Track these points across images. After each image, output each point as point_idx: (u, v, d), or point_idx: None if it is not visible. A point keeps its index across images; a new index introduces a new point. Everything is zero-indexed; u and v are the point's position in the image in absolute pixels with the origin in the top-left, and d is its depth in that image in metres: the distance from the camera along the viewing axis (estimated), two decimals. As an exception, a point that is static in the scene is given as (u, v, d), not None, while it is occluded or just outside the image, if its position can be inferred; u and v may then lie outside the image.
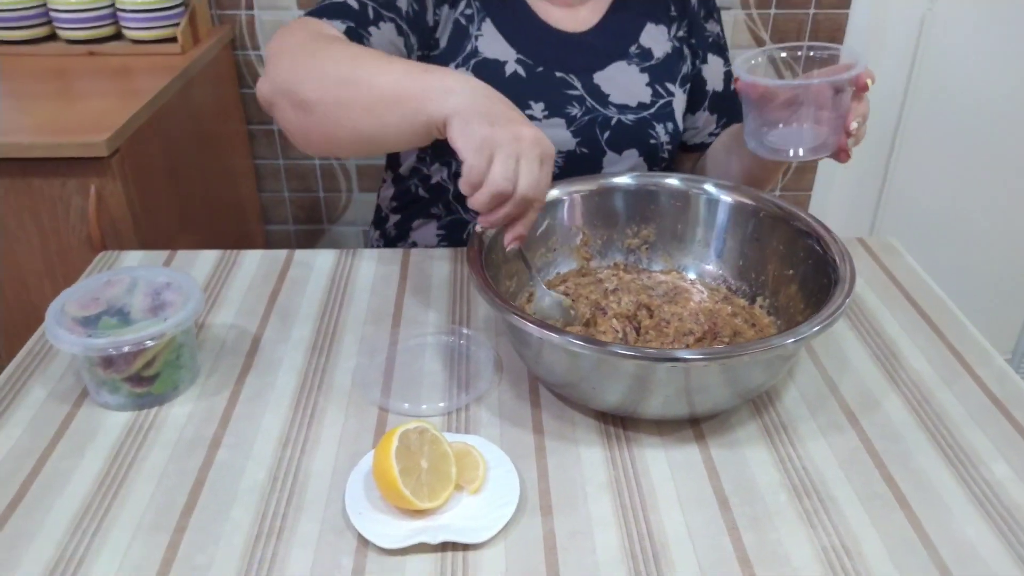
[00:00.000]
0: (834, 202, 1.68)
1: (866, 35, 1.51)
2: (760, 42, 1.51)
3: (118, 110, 1.06)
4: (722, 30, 1.08)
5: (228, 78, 1.44)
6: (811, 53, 0.82)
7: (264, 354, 0.79)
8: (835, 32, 1.49)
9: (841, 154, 0.79)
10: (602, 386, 0.65)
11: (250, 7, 1.44)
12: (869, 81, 0.75)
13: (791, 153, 0.79)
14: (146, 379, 0.71)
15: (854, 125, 0.76)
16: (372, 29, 0.87)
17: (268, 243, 1.66)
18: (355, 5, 0.88)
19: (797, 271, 0.77)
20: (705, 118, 1.09)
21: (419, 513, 0.59)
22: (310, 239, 1.68)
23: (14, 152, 0.99)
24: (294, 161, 1.58)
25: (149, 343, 0.68)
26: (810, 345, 0.79)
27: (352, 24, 0.86)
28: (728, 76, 1.07)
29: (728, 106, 1.08)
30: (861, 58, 0.76)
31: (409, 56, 0.92)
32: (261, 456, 0.66)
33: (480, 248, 0.74)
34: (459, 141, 0.68)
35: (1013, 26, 1.53)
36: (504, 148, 0.66)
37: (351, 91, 0.75)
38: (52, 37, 1.32)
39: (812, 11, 1.47)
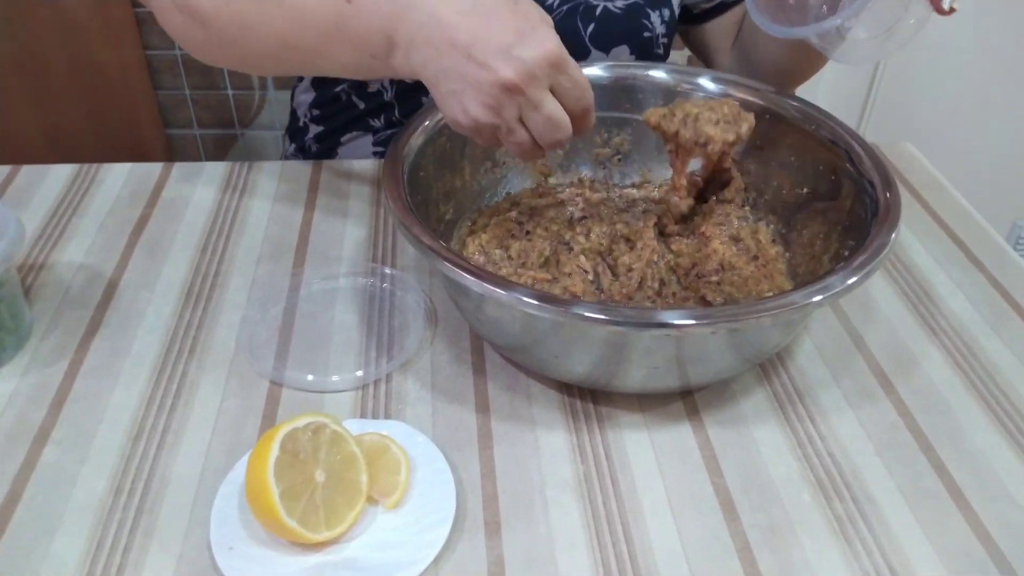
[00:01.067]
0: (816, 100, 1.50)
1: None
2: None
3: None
4: None
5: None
6: None
7: (121, 305, 0.60)
8: None
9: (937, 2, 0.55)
10: (566, 355, 0.48)
11: None
12: None
13: (851, 27, 0.57)
14: (-54, 348, 0.52)
15: None
16: None
17: (170, 150, 1.42)
18: None
19: (815, 191, 0.60)
20: None
21: (315, 545, 0.42)
22: (221, 145, 1.45)
23: None
24: (195, 53, 1.33)
25: (-58, 301, 0.49)
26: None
27: None
28: None
29: None
30: None
31: None
32: (103, 455, 0.48)
33: (400, 162, 0.55)
34: (444, 112, 0.51)
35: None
36: (503, 115, 0.49)
37: (261, 9, 0.54)
38: None
39: None
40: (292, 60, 0.58)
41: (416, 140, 0.57)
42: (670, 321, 0.42)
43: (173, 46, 1.32)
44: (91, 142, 1.11)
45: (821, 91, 1.51)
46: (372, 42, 0.52)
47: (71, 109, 1.06)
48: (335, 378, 0.54)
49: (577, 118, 0.51)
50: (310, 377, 0.54)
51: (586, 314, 0.43)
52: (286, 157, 0.92)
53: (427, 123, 0.58)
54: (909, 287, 0.63)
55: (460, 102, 0.49)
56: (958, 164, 1.56)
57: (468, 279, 0.45)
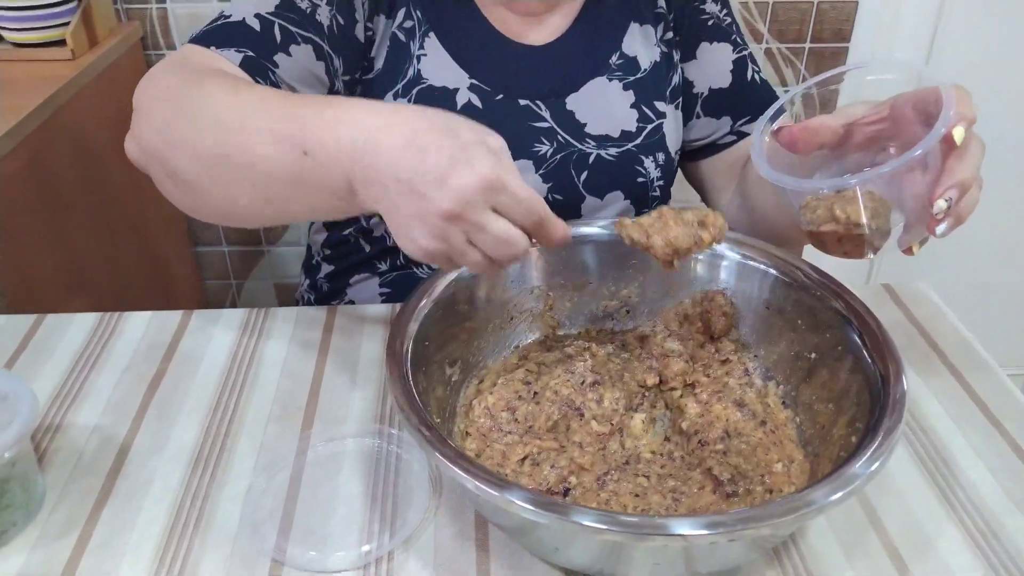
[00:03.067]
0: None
1: (878, 30, 1.32)
2: (757, 36, 1.32)
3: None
4: (729, 11, 0.85)
5: (136, 82, 1.22)
6: (867, 77, 0.60)
7: (131, 472, 0.60)
8: (842, 24, 1.30)
9: (913, 246, 0.57)
10: (566, 548, 0.47)
11: (161, 0, 1.23)
12: (958, 133, 0.51)
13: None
14: (-43, 527, 0.53)
15: (940, 204, 0.52)
16: (280, 58, 0.67)
17: (199, 267, 1.47)
18: (256, 26, 0.67)
19: (823, 357, 0.60)
20: (706, 124, 0.85)
21: None
22: (247, 261, 1.49)
23: None
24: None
25: (-43, 484, 0.50)
26: (838, 448, 0.61)
27: (251, 53, 0.66)
28: (739, 65, 0.83)
29: (742, 100, 0.83)
30: (946, 90, 0.52)
31: (333, 84, 0.72)
32: (100, 648, 0.48)
33: (403, 340, 0.56)
34: (399, 243, 0.52)
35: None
36: (450, 242, 0.50)
37: (230, 169, 0.57)
38: (-85, 39, 1.12)
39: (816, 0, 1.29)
40: (273, 212, 0.60)
41: (420, 312, 0.58)
42: (676, 532, 0.42)
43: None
44: (123, 260, 1.15)
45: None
46: (336, 187, 0.53)
47: (97, 232, 1.09)
48: (339, 554, 0.54)
49: (533, 231, 0.52)
50: (312, 553, 0.54)
51: (584, 522, 0.42)
52: (301, 291, 0.94)
53: (426, 299, 0.59)
54: (926, 452, 0.61)
55: (409, 233, 0.50)
56: (979, 306, 1.53)
57: (464, 478, 0.45)
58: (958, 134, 0.51)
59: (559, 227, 0.53)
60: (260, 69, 0.66)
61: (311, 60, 0.69)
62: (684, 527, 0.41)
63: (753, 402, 0.62)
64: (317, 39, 0.69)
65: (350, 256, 0.84)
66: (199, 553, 0.54)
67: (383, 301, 0.84)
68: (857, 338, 0.56)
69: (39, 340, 0.74)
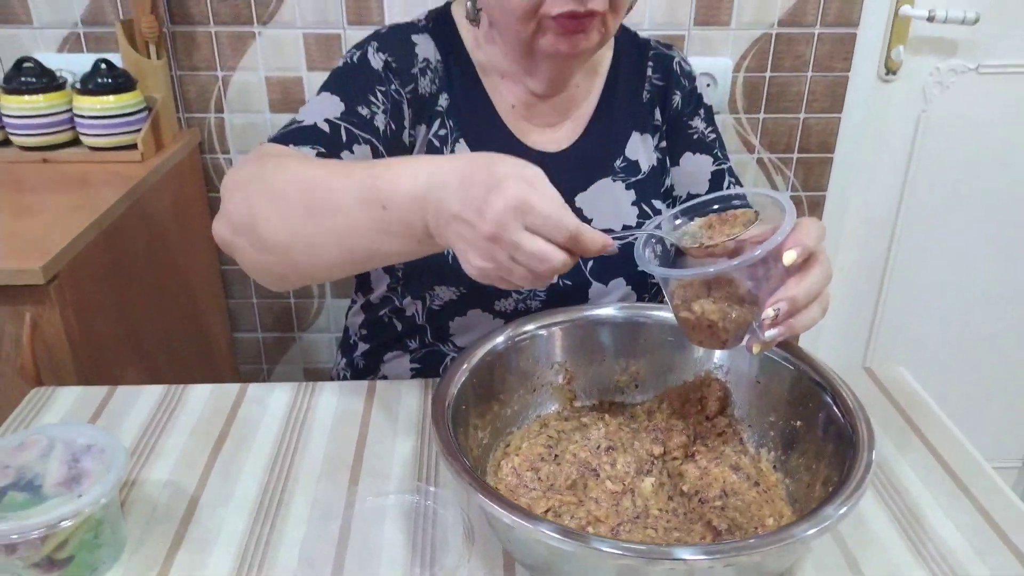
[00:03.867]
0: (824, 324, 1.61)
1: (859, 141, 1.46)
2: (749, 147, 1.46)
3: (62, 229, 0.98)
4: (714, 128, 0.98)
5: (192, 182, 1.37)
6: (736, 202, 0.68)
7: (201, 521, 0.69)
8: (827, 137, 1.45)
9: (752, 345, 0.64)
10: (588, 580, 0.55)
11: (220, 110, 1.38)
12: (787, 256, 0.59)
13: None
14: (58, 563, 0.61)
15: (768, 312, 0.60)
16: (346, 155, 0.80)
17: (235, 351, 1.57)
18: (326, 128, 0.80)
19: (808, 424, 0.69)
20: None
21: None
22: (280, 347, 1.59)
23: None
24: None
25: (64, 524, 0.59)
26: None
27: (323, 150, 0.78)
28: (717, 176, 0.96)
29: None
30: (788, 213, 0.60)
31: None
32: (182, 667, 0.56)
33: (445, 403, 0.65)
34: (463, 266, 0.61)
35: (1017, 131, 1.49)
36: (497, 260, 0.58)
37: (315, 226, 0.67)
38: (4, 143, 1.26)
39: (803, 115, 1.43)
40: (355, 262, 0.69)
41: (459, 379, 0.68)
42: (679, 556, 0.50)
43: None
44: (170, 340, 1.25)
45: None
46: (415, 231, 0.63)
47: (152, 313, 1.20)
48: (384, 595, 0.62)
49: (570, 245, 0.58)
50: (362, 593, 0.62)
51: (603, 548, 0.51)
52: (338, 369, 1.03)
53: (465, 365, 0.69)
54: (900, 512, 0.69)
55: (468, 258, 0.59)
56: (958, 391, 1.64)
57: (501, 512, 0.53)
58: (787, 257, 0.59)
59: (595, 238, 0.59)
60: None
61: (368, 158, 0.81)
62: (686, 553, 0.50)
63: (747, 467, 0.70)
64: (375, 141, 0.82)
65: (384, 335, 0.94)
66: (264, 590, 0.62)
67: (412, 376, 0.94)
68: (835, 408, 0.65)
69: (112, 408, 0.83)
